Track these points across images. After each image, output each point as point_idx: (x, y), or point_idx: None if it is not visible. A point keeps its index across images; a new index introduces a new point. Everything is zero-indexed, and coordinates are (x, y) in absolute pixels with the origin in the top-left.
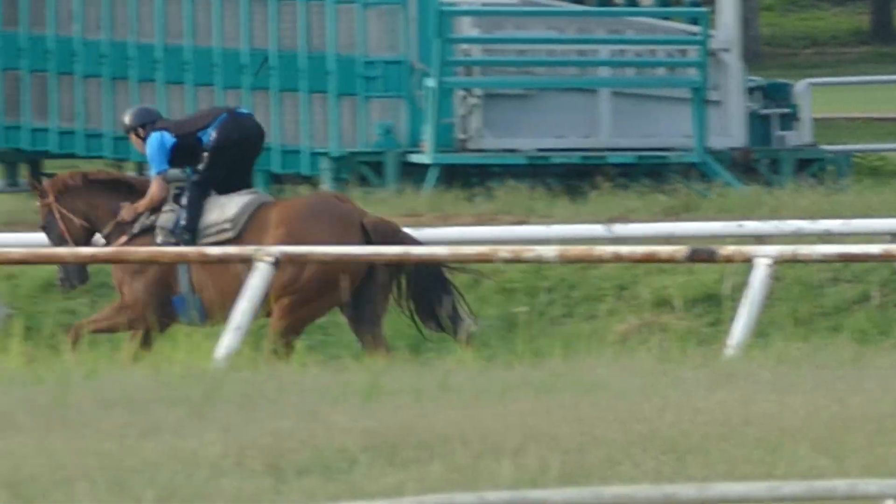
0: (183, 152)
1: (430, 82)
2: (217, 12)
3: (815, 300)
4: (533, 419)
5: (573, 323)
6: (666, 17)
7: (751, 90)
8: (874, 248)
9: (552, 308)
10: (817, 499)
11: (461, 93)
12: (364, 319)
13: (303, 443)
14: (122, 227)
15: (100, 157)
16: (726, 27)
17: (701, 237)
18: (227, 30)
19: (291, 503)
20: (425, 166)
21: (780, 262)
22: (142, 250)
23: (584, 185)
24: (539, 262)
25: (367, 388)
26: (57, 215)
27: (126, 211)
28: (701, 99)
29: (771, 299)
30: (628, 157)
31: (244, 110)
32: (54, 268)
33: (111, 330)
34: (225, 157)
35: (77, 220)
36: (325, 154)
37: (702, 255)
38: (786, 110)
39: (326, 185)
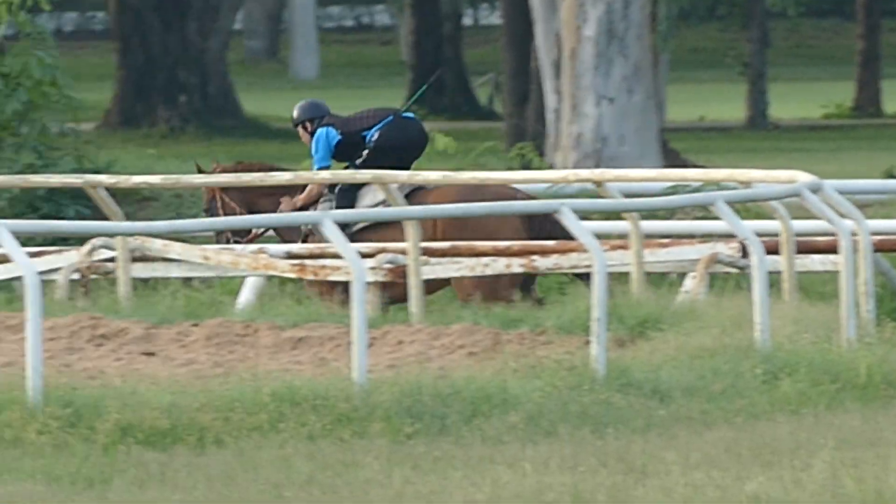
0: (346, 149)
1: None
2: None
3: None
4: None
5: None
6: None
7: None
8: None
9: None
10: None
11: None
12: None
13: None
14: None
15: None
16: None
17: None
18: None
19: None
20: None
21: None
22: None
23: None
24: None
25: None
26: (219, 203)
27: (285, 204)
28: None
29: None
30: None
31: (409, 114)
32: None
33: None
34: (384, 157)
35: (238, 210)
36: None
37: None
38: None
39: None
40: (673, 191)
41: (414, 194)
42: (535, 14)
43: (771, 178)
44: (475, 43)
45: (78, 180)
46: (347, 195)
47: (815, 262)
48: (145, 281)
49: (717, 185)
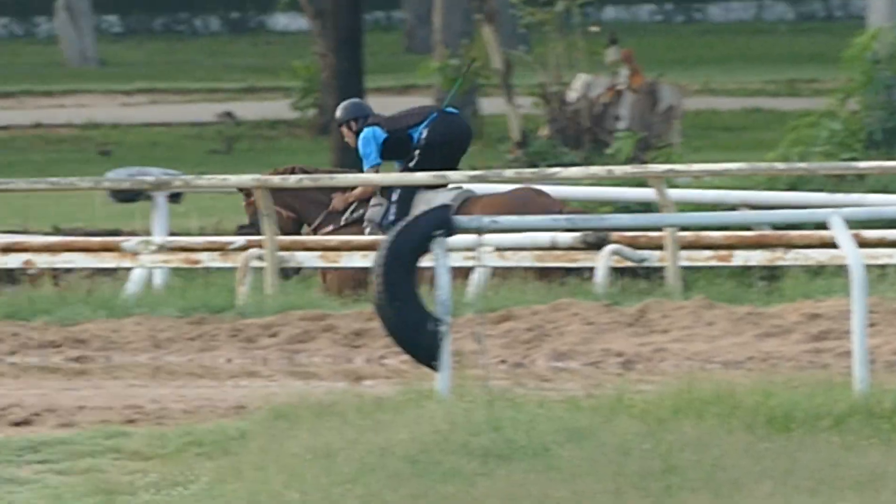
0: (393, 147)
1: None
2: None
3: None
4: None
5: None
6: None
7: None
8: None
9: None
10: None
11: None
12: None
13: None
14: (329, 218)
15: None
16: None
17: None
18: None
19: None
20: None
21: None
22: None
23: None
24: None
25: None
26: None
27: (338, 200)
28: None
29: None
30: None
31: (453, 109)
32: None
33: None
34: (434, 155)
35: (285, 213)
36: None
37: None
38: None
39: None
40: None
41: (464, 203)
42: None
43: None
44: None
45: None
46: (406, 199)
47: None
48: None
49: None
